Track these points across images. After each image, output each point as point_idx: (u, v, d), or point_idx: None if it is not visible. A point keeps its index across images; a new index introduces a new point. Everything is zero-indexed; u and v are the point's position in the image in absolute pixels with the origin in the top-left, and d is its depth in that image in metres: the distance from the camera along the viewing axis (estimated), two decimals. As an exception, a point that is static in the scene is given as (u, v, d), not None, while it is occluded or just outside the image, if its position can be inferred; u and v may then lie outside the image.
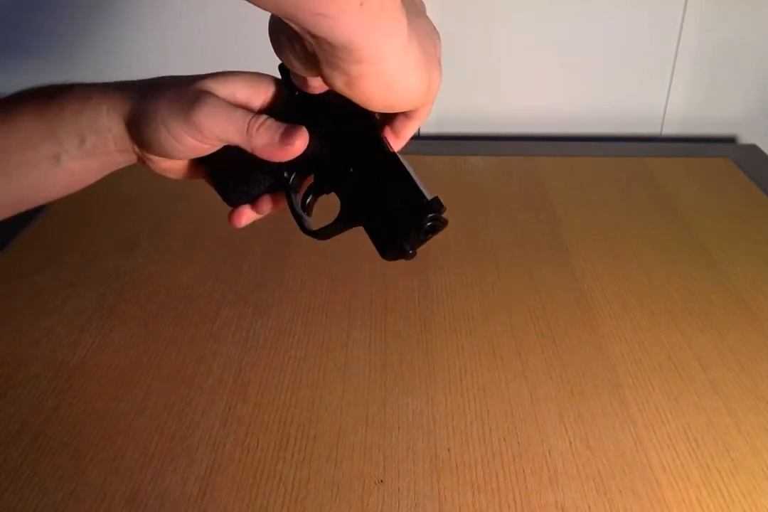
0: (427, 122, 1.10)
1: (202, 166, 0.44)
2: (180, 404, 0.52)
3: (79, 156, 0.42)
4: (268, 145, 0.38)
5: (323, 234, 0.42)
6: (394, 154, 0.40)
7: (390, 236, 0.38)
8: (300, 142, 0.38)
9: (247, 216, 0.44)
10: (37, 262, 0.69)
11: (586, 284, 0.66)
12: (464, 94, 1.00)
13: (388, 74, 0.34)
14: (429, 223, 0.37)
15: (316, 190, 0.43)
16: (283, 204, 0.44)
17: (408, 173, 0.40)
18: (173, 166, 0.44)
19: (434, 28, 0.40)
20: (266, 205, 0.44)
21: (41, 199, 0.46)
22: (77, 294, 0.64)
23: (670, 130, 1.03)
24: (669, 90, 1.00)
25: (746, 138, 1.04)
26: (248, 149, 0.39)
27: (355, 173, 0.40)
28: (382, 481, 0.46)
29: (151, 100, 0.39)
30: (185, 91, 0.39)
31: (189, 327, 0.60)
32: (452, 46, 0.97)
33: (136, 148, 0.42)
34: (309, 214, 0.44)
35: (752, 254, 0.70)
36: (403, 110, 0.38)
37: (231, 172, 0.43)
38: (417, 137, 1.11)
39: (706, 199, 0.81)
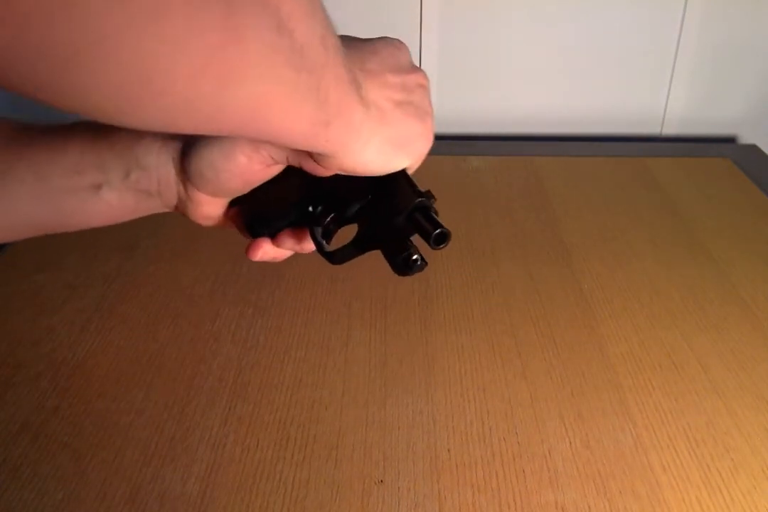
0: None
1: (235, 208, 0.45)
2: (180, 404, 0.52)
3: (121, 188, 0.42)
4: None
5: (337, 256, 0.43)
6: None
7: (400, 253, 0.40)
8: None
9: (264, 249, 0.45)
10: (37, 262, 0.69)
11: (586, 284, 0.66)
12: (464, 94, 1.00)
13: (345, 162, 0.37)
14: (437, 237, 0.39)
15: (339, 222, 0.44)
16: (304, 240, 0.45)
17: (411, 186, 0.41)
18: (212, 210, 0.44)
19: (413, 77, 0.41)
20: (287, 239, 0.45)
21: (67, 226, 0.46)
22: (77, 294, 0.64)
23: (670, 130, 1.03)
24: (669, 90, 1.00)
25: (746, 138, 1.04)
26: (295, 161, 0.39)
27: (372, 200, 0.42)
28: (382, 481, 0.46)
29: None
30: None
31: (189, 327, 0.60)
32: (452, 46, 0.97)
33: (181, 188, 0.43)
34: (329, 243, 0.45)
35: (752, 254, 0.70)
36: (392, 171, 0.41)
37: (260, 206, 0.45)
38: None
39: (706, 199, 0.81)
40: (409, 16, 0.91)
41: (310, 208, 0.43)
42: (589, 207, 0.80)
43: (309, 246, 0.45)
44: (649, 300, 0.64)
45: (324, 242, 0.43)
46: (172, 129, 0.27)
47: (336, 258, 0.42)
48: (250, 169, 0.40)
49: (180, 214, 0.46)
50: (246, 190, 0.42)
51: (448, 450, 0.48)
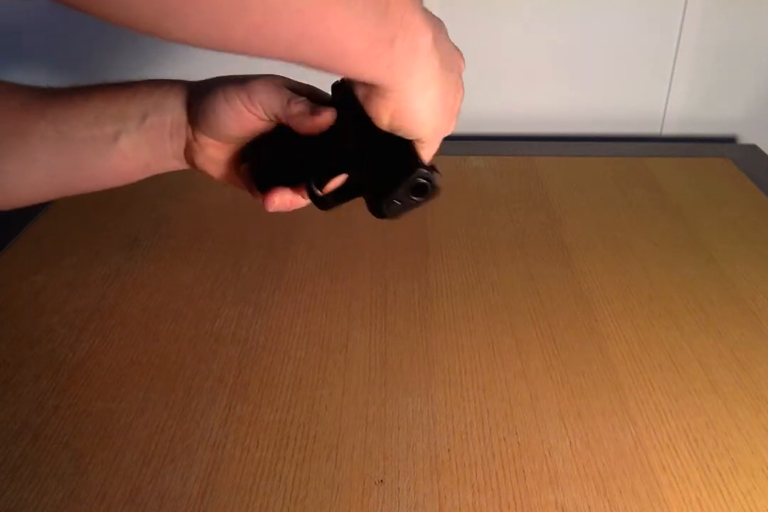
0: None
1: (243, 165, 0.47)
2: (180, 404, 0.52)
3: (137, 136, 0.45)
4: (301, 115, 0.42)
5: (326, 201, 0.44)
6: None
7: (381, 191, 0.40)
8: (328, 115, 0.42)
9: (279, 195, 0.46)
10: (37, 262, 0.69)
11: (586, 284, 0.66)
12: (464, 93, 1.00)
13: (401, 103, 0.37)
14: (418, 179, 0.39)
15: (332, 173, 0.45)
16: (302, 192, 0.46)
17: (410, 145, 0.41)
18: (216, 154, 0.46)
19: (458, 55, 0.44)
20: (299, 190, 0.46)
21: (84, 184, 0.48)
22: (77, 294, 0.64)
23: (670, 130, 1.03)
24: (669, 90, 1.00)
25: (746, 138, 1.04)
26: (283, 117, 0.42)
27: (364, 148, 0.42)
28: (382, 481, 0.46)
29: (217, 79, 0.45)
30: (248, 77, 0.44)
31: (189, 327, 0.60)
32: (452, 46, 0.97)
33: (189, 132, 0.45)
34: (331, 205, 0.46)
35: (752, 254, 0.70)
36: (404, 137, 0.41)
37: (265, 161, 0.47)
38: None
39: (706, 199, 0.81)
40: (409, 16, 0.91)
41: (312, 165, 0.45)
42: (589, 207, 0.80)
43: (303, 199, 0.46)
44: (649, 300, 0.64)
45: (316, 190, 0.45)
46: (226, 43, 0.27)
47: (325, 203, 0.44)
48: (245, 117, 0.43)
49: (189, 165, 0.48)
50: (243, 135, 0.44)
51: (448, 450, 0.48)
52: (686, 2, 0.93)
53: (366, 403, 0.52)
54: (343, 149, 0.43)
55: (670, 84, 1.00)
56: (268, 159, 0.47)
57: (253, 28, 0.26)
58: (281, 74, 0.44)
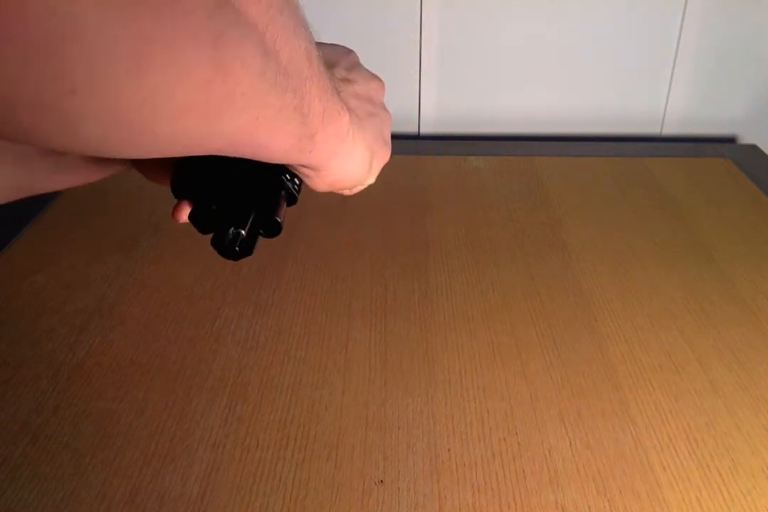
0: (426, 122, 1.11)
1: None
2: (180, 404, 0.52)
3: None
4: None
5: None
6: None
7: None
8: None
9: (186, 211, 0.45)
10: (37, 262, 0.69)
11: (586, 284, 0.66)
12: (464, 94, 1.00)
13: (333, 175, 0.38)
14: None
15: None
16: None
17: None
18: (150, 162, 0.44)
19: (374, 86, 0.43)
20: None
21: (42, 186, 0.47)
22: (77, 294, 0.64)
23: (670, 130, 1.03)
24: (669, 90, 1.00)
25: (746, 138, 1.04)
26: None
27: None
28: (382, 481, 0.46)
29: None
30: None
31: (189, 327, 0.60)
32: (452, 46, 0.97)
33: None
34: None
35: (752, 254, 0.70)
36: (345, 190, 0.42)
37: (188, 173, 0.44)
38: (417, 137, 1.11)
39: (706, 199, 0.81)
40: (409, 16, 0.91)
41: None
42: (589, 207, 0.80)
43: None
44: (649, 300, 0.64)
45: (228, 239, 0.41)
46: (156, 156, 0.27)
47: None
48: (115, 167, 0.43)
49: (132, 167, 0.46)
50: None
51: (448, 450, 0.48)
52: (686, 2, 0.93)
53: (366, 403, 0.52)
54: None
55: (670, 84, 1.00)
56: (191, 171, 0.43)
57: (187, 148, 0.27)
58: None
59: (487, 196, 0.82)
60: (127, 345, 0.58)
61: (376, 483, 0.46)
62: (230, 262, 0.69)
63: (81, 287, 0.65)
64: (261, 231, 0.40)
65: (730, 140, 1.05)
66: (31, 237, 0.74)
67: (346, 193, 0.43)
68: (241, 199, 0.40)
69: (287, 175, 0.40)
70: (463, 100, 1.01)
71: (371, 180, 0.43)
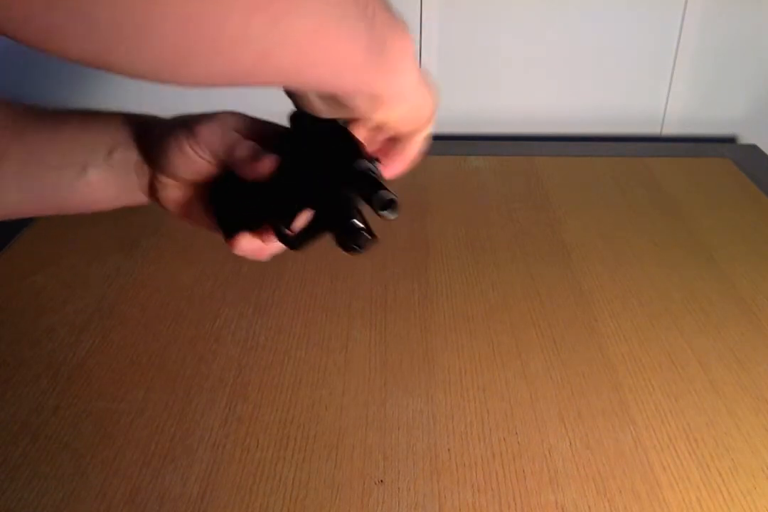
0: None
1: (209, 207, 0.46)
2: (180, 404, 0.52)
3: (104, 167, 0.45)
4: (243, 162, 0.41)
5: (296, 241, 0.43)
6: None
7: (346, 224, 0.38)
8: (267, 162, 0.41)
9: (246, 239, 0.45)
10: (37, 262, 0.69)
11: (586, 284, 0.66)
12: (464, 94, 1.00)
13: (410, 104, 0.38)
14: (384, 197, 0.38)
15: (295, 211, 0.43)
16: (268, 236, 0.45)
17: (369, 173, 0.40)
18: (176, 194, 0.46)
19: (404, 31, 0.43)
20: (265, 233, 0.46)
21: (58, 209, 0.48)
22: (77, 294, 0.64)
23: (670, 130, 1.03)
24: (669, 90, 1.00)
25: (746, 138, 1.04)
26: (229, 161, 0.42)
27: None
28: (382, 481, 0.46)
29: (174, 119, 0.44)
30: (205, 114, 0.43)
31: (189, 327, 0.60)
32: (452, 45, 0.97)
33: (150, 170, 0.45)
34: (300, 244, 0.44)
35: (752, 254, 0.70)
36: (409, 135, 0.42)
37: (231, 205, 0.45)
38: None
39: (706, 199, 0.81)
40: (409, 16, 0.91)
41: (276, 204, 0.43)
42: (589, 207, 0.80)
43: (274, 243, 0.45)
44: (649, 300, 0.64)
45: (285, 230, 0.43)
46: (227, 78, 0.27)
47: (295, 243, 0.42)
48: (195, 161, 0.42)
49: (153, 201, 0.47)
50: (199, 177, 0.44)
51: (448, 450, 0.48)
52: (686, 2, 0.93)
53: (366, 403, 0.52)
54: (304, 185, 0.42)
55: (670, 84, 1.00)
56: (231, 201, 0.45)
57: (258, 59, 0.26)
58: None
59: (487, 196, 0.82)
60: (127, 345, 0.58)
61: (376, 483, 0.46)
62: (230, 262, 0.69)
63: (81, 287, 0.65)
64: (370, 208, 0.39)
65: (730, 140, 1.05)
66: (31, 237, 0.74)
67: (407, 150, 0.42)
68: (327, 195, 0.40)
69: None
70: (463, 100, 1.01)
71: (430, 128, 0.42)
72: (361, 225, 0.37)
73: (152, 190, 0.46)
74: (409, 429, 0.50)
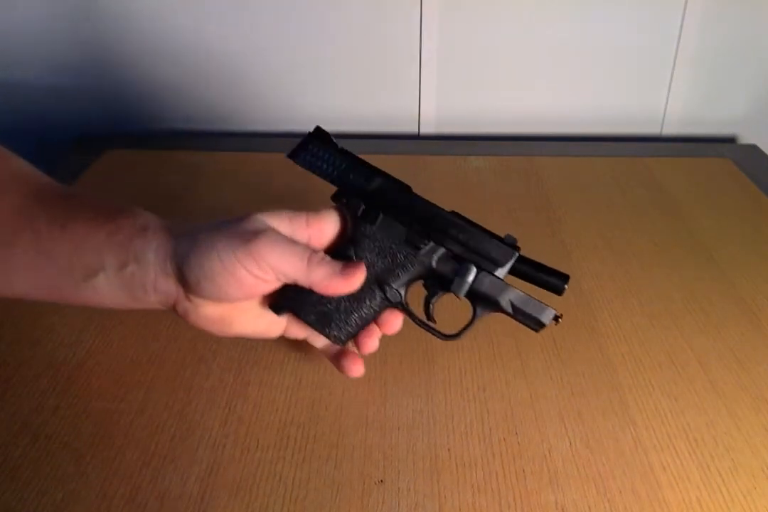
0: (427, 122, 1.10)
1: (287, 315, 0.44)
2: (180, 404, 0.52)
3: (115, 280, 0.41)
4: (329, 278, 0.39)
5: (460, 335, 0.48)
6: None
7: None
8: (361, 275, 0.40)
9: (373, 340, 0.46)
10: (37, 262, 0.69)
11: (585, 284, 0.66)
12: (464, 94, 1.00)
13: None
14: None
15: (431, 296, 0.48)
16: (396, 322, 0.47)
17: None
18: (214, 312, 0.42)
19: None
20: (388, 324, 0.46)
21: (67, 303, 0.46)
22: (77, 294, 0.64)
23: (670, 130, 1.03)
24: (669, 90, 1.00)
25: (746, 138, 1.04)
26: (305, 283, 0.39)
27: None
28: (382, 481, 0.46)
29: (207, 234, 0.39)
30: (242, 225, 0.39)
31: (189, 327, 0.60)
32: (452, 46, 0.97)
33: (181, 291, 0.41)
34: (434, 321, 0.49)
35: (752, 254, 0.70)
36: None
37: (326, 309, 0.44)
38: (417, 137, 1.11)
39: (706, 199, 0.81)
40: (409, 16, 0.91)
41: (387, 293, 0.45)
42: (589, 207, 0.80)
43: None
44: (649, 300, 0.64)
45: (432, 324, 0.48)
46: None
47: (462, 334, 0.48)
48: (251, 284, 0.38)
49: (179, 316, 0.43)
50: (251, 298, 0.41)
51: (448, 450, 0.48)
52: (686, 2, 0.93)
53: (366, 403, 0.52)
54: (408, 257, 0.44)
55: (670, 84, 1.00)
56: (320, 306, 0.43)
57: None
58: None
59: (487, 196, 0.82)
60: (127, 345, 0.58)
61: (376, 483, 0.46)
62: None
63: (81, 287, 0.65)
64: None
65: (730, 140, 1.05)
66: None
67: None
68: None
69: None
70: (463, 100, 1.01)
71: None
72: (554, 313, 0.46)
73: (178, 309, 0.42)
74: (409, 429, 0.50)
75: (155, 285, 0.42)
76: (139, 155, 0.90)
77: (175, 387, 0.54)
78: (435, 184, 0.83)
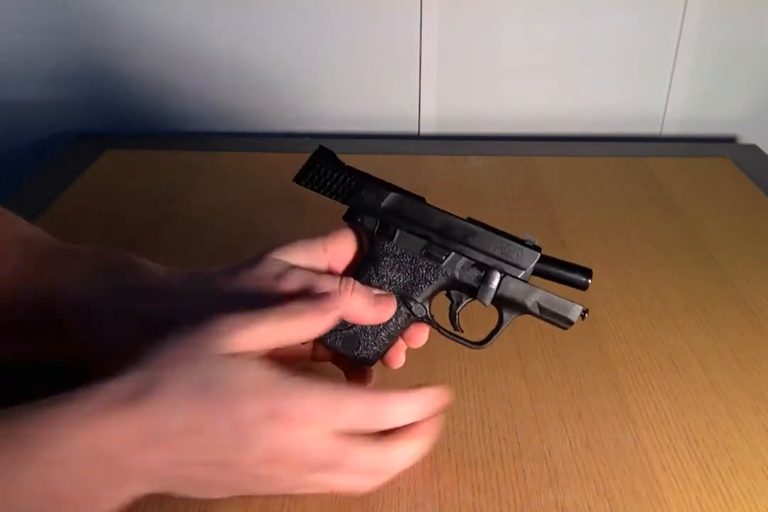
0: (427, 122, 1.10)
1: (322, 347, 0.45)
2: (180, 404, 0.52)
3: None
4: (364, 309, 0.41)
5: (490, 340, 0.48)
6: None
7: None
8: (393, 308, 0.42)
9: (402, 354, 0.47)
10: (37, 262, 0.69)
11: (586, 284, 0.66)
12: (464, 94, 1.00)
13: None
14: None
15: (456, 306, 0.48)
16: (422, 335, 0.48)
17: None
18: None
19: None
20: (414, 338, 0.47)
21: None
22: (77, 294, 0.64)
23: (670, 130, 1.03)
24: (669, 90, 1.00)
25: (746, 138, 1.04)
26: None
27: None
28: (382, 481, 0.46)
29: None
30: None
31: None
32: (452, 46, 0.97)
33: None
34: (461, 330, 0.49)
35: (752, 254, 0.70)
36: None
37: (352, 333, 0.45)
38: (417, 137, 1.11)
39: (706, 199, 0.81)
40: (409, 16, 0.91)
41: (412, 307, 0.46)
42: (589, 207, 0.80)
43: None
44: (649, 300, 0.64)
45: (460, 333, 0.49)
46: None
47: (490, 342, 0.49)
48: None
49: None
50: None
51: (448, 450, 0.48)
52: (686, 2, 0.93)
53: (366, 403, 0.52)
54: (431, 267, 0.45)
55: (670, 84, 1.00)
56: (342, 327, 0.44)
57: None
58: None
59: (487, 196, 0.82)
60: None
61: (376, 483, 0.46)
62: (230, 262, 0.69)
63: (81, 287, 0.65)
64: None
65: (730, 140, 1.05)
66: (31, 237, 0.73)
67: None
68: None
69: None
70: (463, 100, 1.01)
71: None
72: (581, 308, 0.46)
73: None
74: (409, 429, 0.50)
75: None
76: (139, 155, 0.90)
77: (175, 387, 0.54)
78: (435, 184, 0.83)
